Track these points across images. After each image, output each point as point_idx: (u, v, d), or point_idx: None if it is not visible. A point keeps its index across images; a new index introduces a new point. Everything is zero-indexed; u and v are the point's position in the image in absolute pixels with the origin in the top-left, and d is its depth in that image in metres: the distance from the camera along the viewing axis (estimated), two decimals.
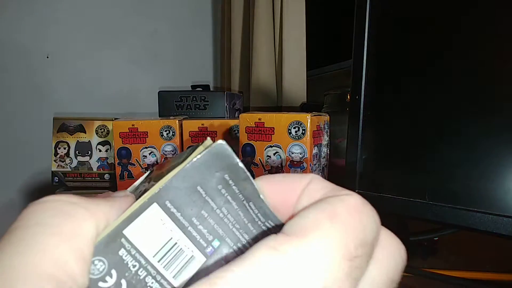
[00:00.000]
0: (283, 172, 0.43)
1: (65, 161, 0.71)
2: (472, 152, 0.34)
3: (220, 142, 0.13)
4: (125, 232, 0.12)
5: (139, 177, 0.16)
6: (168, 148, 0.55)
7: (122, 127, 0.54)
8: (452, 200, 0.35)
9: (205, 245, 0.13)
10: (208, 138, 0.13)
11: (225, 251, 0.13)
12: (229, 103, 0.75)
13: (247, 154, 0.45)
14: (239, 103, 0.82)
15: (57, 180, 0.71)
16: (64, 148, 0.71)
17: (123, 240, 0.12)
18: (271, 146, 0.43)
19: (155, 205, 0.12)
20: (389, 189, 0.40)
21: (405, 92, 0.39)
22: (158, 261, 0.12)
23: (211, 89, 1.12)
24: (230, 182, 0.13)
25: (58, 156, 0.71)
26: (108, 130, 0.71)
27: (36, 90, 1.09)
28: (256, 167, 0.45)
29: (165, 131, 0.54)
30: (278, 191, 0.13)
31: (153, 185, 0.12)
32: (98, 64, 1.12)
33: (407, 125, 0.39)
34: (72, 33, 1.08)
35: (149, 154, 0.55)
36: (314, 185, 0.13)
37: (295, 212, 0.13)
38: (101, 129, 0.71)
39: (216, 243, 0.13)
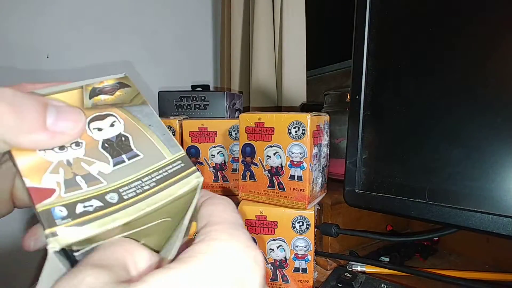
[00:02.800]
0: (283, 172, 0.43)
1: None
2: (472, 152, 0.34)
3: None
4: None
5: None
6: None
7: None
8: (452, 200, 0.35)
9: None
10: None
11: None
12: (229, 103, 0.75)
13: (247, 154, 0.45)
14: (239, 103, 0.82)
15: None
16: None
17: None
18: (271, 146, 0.43)
19: None
20: (389, 189, 0.40)
21: (405, 92, 0.39)
22: None
23: (211, 89, 1.12)
24: None
25: None
26: None
27: None
28: (256, 167, 0.45)
29: None
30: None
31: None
32: (98, 64, 1.12)
33: (407, 125, 0.39)
34: (72, 33, 1.08)
35: None
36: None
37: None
38: None
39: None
